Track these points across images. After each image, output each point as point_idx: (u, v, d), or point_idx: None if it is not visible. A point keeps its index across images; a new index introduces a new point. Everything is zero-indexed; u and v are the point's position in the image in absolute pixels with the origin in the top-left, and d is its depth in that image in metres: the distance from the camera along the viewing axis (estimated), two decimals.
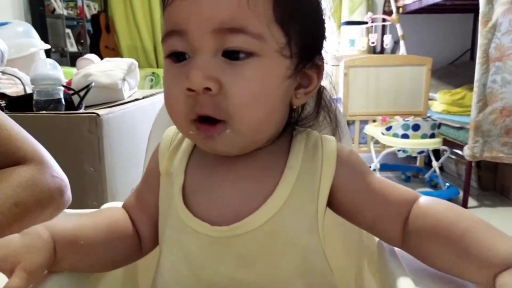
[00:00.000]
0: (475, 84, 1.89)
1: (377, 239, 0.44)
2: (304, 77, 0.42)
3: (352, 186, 0.42)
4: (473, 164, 2.06)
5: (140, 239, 0.46)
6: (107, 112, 1.02)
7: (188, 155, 0.45)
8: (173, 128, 0.47)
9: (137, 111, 1.21)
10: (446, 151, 2.19)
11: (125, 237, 0.44)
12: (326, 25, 0.43)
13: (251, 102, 0.37)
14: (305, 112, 0.46)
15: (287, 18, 0.37)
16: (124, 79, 1.35)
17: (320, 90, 0.46)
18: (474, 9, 2.79)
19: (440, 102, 2.47)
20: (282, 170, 0.41)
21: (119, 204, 0.48)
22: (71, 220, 0.42)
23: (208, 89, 0.36)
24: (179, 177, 0.43)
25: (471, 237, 0.36)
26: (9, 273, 0.34)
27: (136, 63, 1.41)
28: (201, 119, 0.38)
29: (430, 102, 2.46)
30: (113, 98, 1.28)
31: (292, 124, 0.45)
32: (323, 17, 0.42)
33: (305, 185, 0.41)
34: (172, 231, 0.42)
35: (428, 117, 2.18)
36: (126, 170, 1.09)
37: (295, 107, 0.43)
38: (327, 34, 0.43)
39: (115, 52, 3.35)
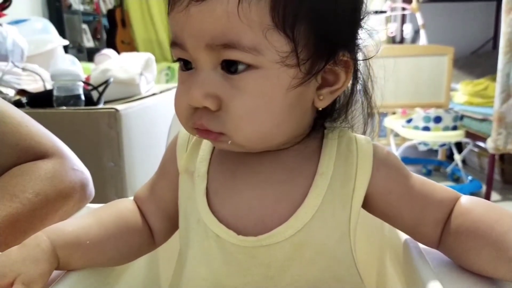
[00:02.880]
0: (498, 74, 1.83)
1: (401, 234, 0.42)
2: (330, 74, 0.38)
3: (390, 190, 0.40)
4: (496, 157, 2.00)
5: (151, 231, 0.45)
6: (125, 107, 1.01)
7: (210, 154, 0.43)
8: None
9: (155, 106, 1.20)
10: (468, 143, 2.14)
11: (134, 231, 0.43)
12: (353, 16, 0.37)
13: (250, 117, 0.35)
14: (337, 105, 0.42)
15: (290, 22, 0.33)
16: (141, 74, 1.34)
17: (353, 85, 0.41)
18: None
19: (462, 93, 2.41)
20: (313, 175, 0.39)
21: (129, 199, 0.47)
22: (75, 220, 0.41)
23: (207, 107, 0.34)
24: (201, 178, 0.41)
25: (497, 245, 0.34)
26: (8, 287, 0.33)
27: (153, 58, 1.41)
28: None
29: (451, 93, 2.41)
30: (131, 93, 1.28)
31: (323, 118, 0.42)
32: (347, 8, 0.37)
33: (338, 192, 0.39)
34: (194, 234, 0.41)
35: (450, 108, 2.13)
36: (145, 165, 1.09)
37: (320, 109, 0.39)
38: (356, 24, 0.38)
39: (131, 46, 3.37)
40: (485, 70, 2.61)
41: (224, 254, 0.39)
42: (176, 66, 2.57)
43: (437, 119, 1.94)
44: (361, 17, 0.38)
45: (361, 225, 0.41)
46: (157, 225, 0.45)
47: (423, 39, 2.56)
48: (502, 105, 1.82)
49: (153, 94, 1.25)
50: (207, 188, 0.41)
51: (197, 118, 0.36)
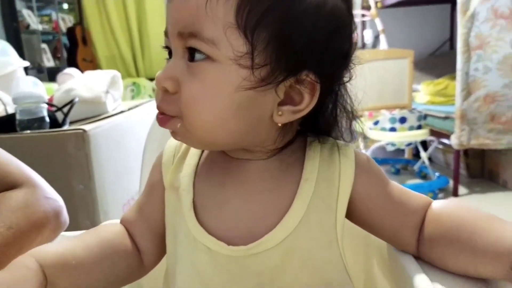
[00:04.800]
0: (458, 73, 1.91)
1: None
2: (295, 93, 0.38)
3: (371, 195, 0.41)
4: (461, 152, 2.08)
5: (140, 254, 0.44)
6: (93, 127, 0.99)
7: (194, 167, 0.44)
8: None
9: (124, 124, 1.18)
10: (433, 141, 2.21)
11: (120, 252, 0.43)
12: (328, 38, 0.37)
13: (197, 102, 0.37)
14: (319, 121, 0.42)
15: (251, 26, 0.35)
16: (107, 92, 1.31)
17: (335, 103, 0.41)
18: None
19: (424, 93, 2.49)
20: (298, 181, 0.40)
21: (117, 221, 0.46)
22: (60, 243, 0.41)
23: (166, 88, 0.38)
24: (188, 191, 0.42)
25: (482, 235, 0.36)
26: None
27: (119, 74, 1.38)
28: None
29: (414, 94, 2.48)
30: (97, 112, 1.25)
31: (306, 131, 0.43)
32: (323, 29, 0.36)
33: (323, 196, 0.40)
34: (182, 249, 0.41)
35: (413, 109, 2.20)
36: (117, 185, 1.06)
37: (279, 124, 0.39)
38: (332, 48, 0.37)
39: (93, 64, 3.30)
40: (444, 70, 2.71)
41: (215, 265, 0.39)
42: (141, 81, 2.51)
43: (402, 120, 1.99)
44: (342, 47, 0.38)
45: (347, 231, 0.41)
46: (147, 246, 0.44)
47: (383, 43, 2.64)
48: (463, 102, 1.89)
49: (121, 112, 1.23)
50: (194, 201, 0.41)
51: (160, 101, 0.39)
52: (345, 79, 0.40)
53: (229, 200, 0.41)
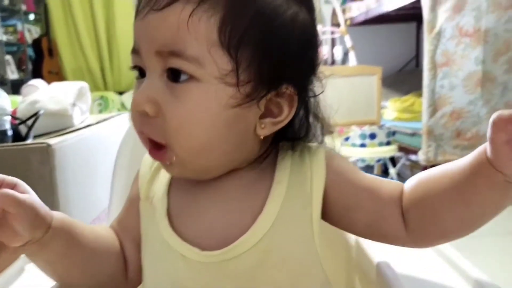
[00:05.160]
0: (424, 90, 1.96)
1: (373, 257, 0.42)
2: (274, 105, 0.39)
3: (345, 189, 0.40)
4: (428, 168, 2.12)
5: (126, 264, 0.44)
6: (59, 140, 0.95)
7: (169, 177, 0.43)
8: None
9: (92, 138, 1.14)
10: (401, 157, 2.25)
11: (112, 252, 0.43)
12: (302, 51, 0.39)
13: (185, 126, 0.36)
14: (293, 129, 0.42)
15: (235, 43, 0.35)
16: (74, 104, 1.27)
17: (307, 114, 0.42)
18: (416, 17, 2.93)
19: (391, 110, 2.55)
20: (270, 185, 0.40)
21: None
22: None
23: (146, 112, 0.36)
24: (162, 200, 0.42)
25: (453, 168, 0.35)
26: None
27: (87, 86, 1.34)
28: (151, 141, 0.38)
29: (382, 110, 2.53)
30: (63, 125, 1.20)
31: (279, 140, 0.43)
32: (298, 42, 0.38)
33: (296, 196, 0.39)
34: (157, 258, 0.40)
35: (382, 125, 2.24)
36: (83, 203, 1.01)
37: (261, 137, 0.39)
38: (306, 60, 0.39)
39: (59, 76, 3.21)
40: (410, 87, 2.78)
41: (191, 272, 0.38)
42: (109, 95, 2.47)
43: (372, 136, 2.02)
44: (313, 58, 0.40)
45: (327, 244, 0.41)
46: (131, 257, 0.44)
47: (352, 60, 2.70)
48: (430, 119, 1.94)
49: (89, 125, 1.18)
50: (168, 210, 0.41)
51: (141, 125, 0.37)
52: (317, 90, 0.41)
53: (203, 208, 0.40)
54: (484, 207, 0.35)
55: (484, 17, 1.84)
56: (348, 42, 2.71)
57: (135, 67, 0.39)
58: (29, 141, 0.99)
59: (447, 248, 0.43)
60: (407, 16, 2.89)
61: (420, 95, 2.47)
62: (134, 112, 0.38)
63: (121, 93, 3.20)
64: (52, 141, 0.92)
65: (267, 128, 0.39)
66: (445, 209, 0.36)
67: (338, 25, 2.81)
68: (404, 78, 3.07)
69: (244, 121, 0.38)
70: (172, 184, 0.43)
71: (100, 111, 2.96)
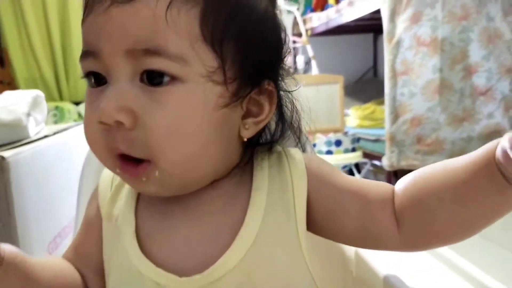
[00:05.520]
0: (386, 97, 2.00)
1: (380, 272, 0.39)
2: (254, 104, 0.37)
3: (328, 193, 0.38)
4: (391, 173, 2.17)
5: None
6: (13, 153, 0.87)
7: (135, 194, 0.38)
8: None
9: (50, 150, 1.06)
10: (366, 163, 2.29)
11: (73, 285, 0.38)
12: (277, 45, 0.38)
13: (172, 136, 0.31)
14: (266, 134, 0.41)
15: (218, 37, 0.32)
16: (29, 114, 1.19)
17: (281, 111, 0.41)
18: (373, 29, 3.02)
19: (354, 117, 2.60)
20: (249, 193, 0.36)
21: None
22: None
23: (120, 123, 0.31)
24: (128, 220, 0.36)
25: (454, 167, 0.33)
26: None
27: (42, 95, 1.26)
28: (124, 157, 0.32)
29: (344, 118, 2.58)
30: (17, 137, 1.12)
31: (253, 145, 0.40)
32: (275, 35, 0.37)
33: (278, 204, 0.36)
34: (125, 286, 0.35)
35: (346, 132, 2.28)
36: (42, 221, 0.94)
37: (245, 139, 0.37)
38: (280, 54, 0.38)
39: (12, 87, 3.04)
40: (369, 95, 2.86)
41: None
42: (65, 105, 2.33)
43: (338, 143, 2.05)
44: (284, 51, 0.39)
45: (317, 262, 0.38)
46: (94, 286, 0.39)
47: (314, 69, 2.73)
48: (392, 125, 1.98)
49: (46, 136, 1.10)
50: (136, 232, 0.36)
51: (111, 141, 0.32)
52: (290, 87, 0.40)
53: (176, 227, 0.36)
54: (484, 209, 0.32)
55: (440, 27, 1.92)
56: (310, 52, 2.75)
57: (88, 74, 0.34)
58: None
59: (455, 257, 0.41)
60: (364, 27, 2.97)
61: (379, 103, 2.53)
62: (96, 125, 0.32)
63: (77, 103, 3.07)
64: (7, 153, 0.85)
65: (250, 129, 0.37)
66: (443, 210, 0.33)
67: (300, 35, 2.84)
68: (363, 87, 3.15)
69: (231, 123, 0.35)
70: (139, 200, 0.38)
71: (55, 122, 2.82)
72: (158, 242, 0.36)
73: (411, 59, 1.93)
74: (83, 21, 0.33)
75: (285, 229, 0.36)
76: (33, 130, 1.18)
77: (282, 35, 0.38)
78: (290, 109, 0.41)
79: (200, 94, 0.32)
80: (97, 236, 0.39)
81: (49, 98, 3.15)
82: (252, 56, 0.35)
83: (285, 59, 0.39)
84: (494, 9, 1.90)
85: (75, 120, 2.88)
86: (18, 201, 0.85)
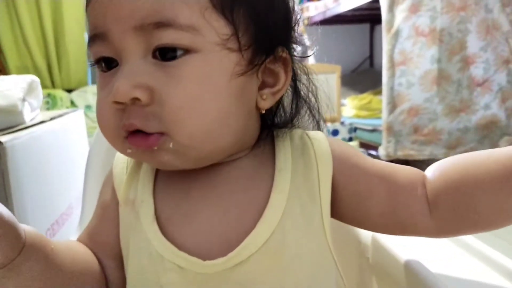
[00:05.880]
0: (383, 87, 2.00)
1: (400, 257, 0.38)
2: (269, 74, 0.36)
3: (354, 175, 0.37)
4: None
5: (108, 286, 0.38)
6: (10, 138, 0.85)
7: (153, 174, 0.37)
8: None
9: (47, 135, 1.04)
10: (363, 153, 2.29)
11: (92, 274, 0.36)
12: (286, 10, 0.37)
13: (192, 107, 0.31)
14: (281, 111, 0.40)
15: (228, 4, 0.32)
16: (24, 99, 1.16)
17: (296, 84, 0.40)
18: (370, 19, 3.01)
19: (350, 107, 2.60)
20: (272, 174, 0.35)
21: None
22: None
23: (137, 99, 0.30)
24: (147, 202, 0.35)
25: (497, 153, 0.32)
26: None
27: (38, 80, 1.23)
28: (135, 133, 0.32)
29: (341, 108, 2.57)
30: (12, 123, 1.09)
31: (270, 126, 0.40)
32: (281, 1, 0.36)
33: (302, 186, 0.35)
34: (146, 271, 0.34)
35: (343, 122, 2.27)
36: (39, 207, 0.92)
37: (263, 111, 0.36)
38: (290, 21, 0.38)
39: (3, 73, 2.98)
40: (365, 86, 2.86)
41: (191, 287, 0.33)
42: (57, 92, 2.30)
43: (335, 132, 2.04)
44: (294, 18, 0.38)
45: (339, 254, 0.37)
46: (112, 277, 0.37)
47: (311, 58, 2.71)
48: (389, 115, 1.98)
49: (42, 122, 1.08)
50: (156, 214, 0.35)
51: (126, 118, 0.31)
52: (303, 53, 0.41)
53: (198, 209, 0.35)
54: None
55: (439, 17, 1.91)
56: (307, 41, 2.73)
57: (97, 60, 0.33)
58: None
59: (476, 242, 0.41)
60: (361, 18, 2.95)
61: (376, 93, 2.53)
62: (108, 107, 0.31)
63: (70, 90, 3.03)
64: (3, 138, 0.82)
65: (268, 100, 0.36)
66: (484, 197, 0.32)
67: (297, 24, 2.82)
68: (360, 77, 3.15)
69: (248, 93, 0.34)
70: (157, 182, 0.37)
71: (48, 109, 2.78)
72: (179, 225, 0.35)
73: (409, 49, 1.92)
74: (88, 4, 0.32)
75: (309, 212, 0.35)
76: (28, 116, 1.16)
77: (290, 2, 0.38)
78: (306, 83, 0.40)
79: (216, 62, 0.31)
80: (113, 222, 0.38)
81: (41, 85, 3.11)
82: (264, 21, 0.34)
83: (296, 26, 0.39)
84: (493, 0, 1.89)
85: (67, 108, 2.85)
86: (15, 187, 0.83)
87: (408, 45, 1.93)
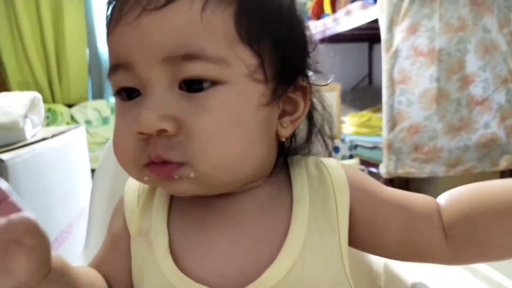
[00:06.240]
0: (384, 105, 2.01)
1: (407, 280, 0.38)
2: (288, 103, 0.36)
3: (371, 204, 0.37)
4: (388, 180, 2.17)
5: None
6: (12, 156, 0.85)
7: (167, 203, 0.36)
8: None
9: (48, 153, 1.04)
10: (363, 170, 2.29)
11: None
12: (306, 38, 0.38)
13: (220, 138, 0.31)
14: (297, 139, 0.40)
15: (255, 35, 0.32)
16: (26, 116, 1.16)
17: (311, 113, 0.40)
18: (368, 38, 3.04)
19: (350, 125, 2.61)
20: (289, 204, 0.35)
21: None
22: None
23: (163, 130, 0.30)
24: (161, 234, 0.35)
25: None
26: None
27: (40, 97, 1.24)
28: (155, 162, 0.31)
29: (341, 125, 2.58)
30: (13, 139, 1.09)
31: (284, 154, 0.40)
32: (302, 29, 0.37)
33: (321, 216, 0.35)
34: None
35: (343, 139, 2.28)
36: (41, 224, 0.91)
37: (283, 139, 0.37)
38: (309, 49, 0.39)
39: (4, 88, 2.99)
40: (365, 103, 2.87)
41: None
42: (57, 107, 2.30)
43: (336, 149, 2.04)
44: (310, 45, 0.39)
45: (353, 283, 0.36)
46: None
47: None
48: (389, 133, 1.99)
49: (43, 139, 1.08)
50: (170, 246, 0.34)
51: (151, 150, 0.31)
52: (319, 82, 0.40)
53: (215, 241, 0.34)
54: None
55: (437, 37, 1.93)
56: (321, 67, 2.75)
57: (119, 90, 0.32)
58: None
59: (483, 266, 0.40)
60: (360, 37, 2.98)
61: (375, 111, 2.54)
62: (129, 136, 0.31)
63: (70, 105, 3.03)
64: (5, 156, 0.82)
65: (288, 128, 0.36)
66: (499, 228, 0.32)
67: None
68: (359, 95, 3.17)
69: (271, 123, 0.34)
70: (171, 211, 0.36)
71: (47, 125, 2.77)
72: (194, 257, 0.34)
73: (408, 69, 1.94)
74: (109, 33, 0.32)
75: (328, 242, 0.35)
76: (29, 133, 1.16)
77: (307, 29, 0.39)
78: (321, 109, 0.41)
79: (244, 94, 0.32)
80: (124, 252, 0.37)
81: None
82: (287, 52, 0.35)
83: (312, 53, 0.39)
84: (491, 21, 1.92)
85: (67, 123, 2.84)
86: None
87: (407, 64, 1.94)
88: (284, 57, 0.34)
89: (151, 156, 0.31)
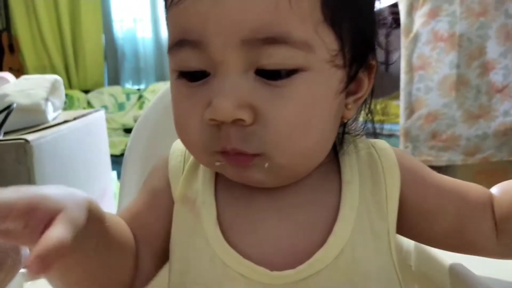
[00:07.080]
0: (401, 92, 1.98)
1: (445, 262, 0.37)
2: (353, 82, 0.35)
3: (423, 190, 0.36)
4: None
5: (137, 266, 0.35)
6: (37, 137, 0.86)
7: (214, 176, 0.35)
8: None
9: (71, 134, 1.05)
10: None
11: (128, 255, 0.34)
12: (377, 16, 0.36)
13: (299, 128, 0.29)
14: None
15: (339, 16, 0.30)
16: (47, 99, 1.17)
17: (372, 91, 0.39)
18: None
19: None
20: (339, 186, 0.34)
21: None
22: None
23: (240, 120, 0.28)
24: (209, 205, 0.34)
25: None
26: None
27: (61, 80, 1.25)
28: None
29: None
30: (35, 122, 1.11)
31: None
32: (373, 7, 0.35)
33: (371, 200, 0.34)
34: (204, 278, 0.33)
35: None
36: None
37: (345, 120, 0.35)
38: (378, 26, 0.37)
39: (21, 73, 3.02)
40: (381, 91, 2.83)
41: None
42: (74, 93, 2.31)
43: None
44: (380, 20, 0.37)
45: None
46: (144, 264, 0.35)
47: None
48: (406, 120, 1.97)
49: (65, 121, 1.09)
50: (218, 218, 0.33)
51: (225, 140, 0.29)
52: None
53: (263, 218, 0.34)
54: None
55: (458, 23, 1.89)
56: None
57: (182, 70, 0.30)
58: (0, 137, 0.90)
59: None
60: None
61: (392, 98, 2.50)
62: (196, 121, 0.29)
63: (86, 91, 3.06)
64: (30, 137, 0.83)
65: (352, 109, 0.35)
66: None
67: None
68: (376, 82, 3.14)
69: (342, 107, 0.33)
70: (218, 184, 0.35)
71: (64, 109, 2.81)
72: (243, 232, 0.33)
73: (428, 54, 1.91)
74: (174, 3, 0.29)
75: (378, 228, 0.34)
76: (51, 115, 1.17)
77: (377, 3, 0.36)
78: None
79: (324, 81, 0.30)
80: (163, 212, 0.36)
81: None
82: (365, 33, 0.33)
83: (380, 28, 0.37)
84: None
85: (84, 108, 2.88)
86: (41, 184, 0.84)
87: (427, 50, 1.91)
88: (362, 38, 0.33)
89: (226, 148, 0.30)
